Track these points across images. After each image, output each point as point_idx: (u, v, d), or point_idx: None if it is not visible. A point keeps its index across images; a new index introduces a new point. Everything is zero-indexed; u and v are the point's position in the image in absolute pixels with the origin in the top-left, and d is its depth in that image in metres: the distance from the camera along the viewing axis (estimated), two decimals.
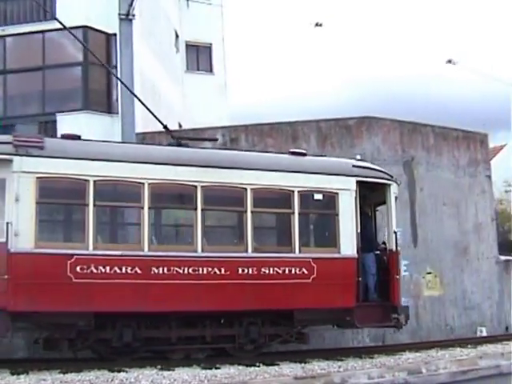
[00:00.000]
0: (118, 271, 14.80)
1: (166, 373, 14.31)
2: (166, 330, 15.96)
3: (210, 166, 15.96)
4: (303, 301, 16.58)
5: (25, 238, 14.12)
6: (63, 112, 23.34)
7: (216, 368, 15.05)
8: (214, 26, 35.83)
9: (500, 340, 21.77)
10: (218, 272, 15.76)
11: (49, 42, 23.99)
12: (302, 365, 16.06)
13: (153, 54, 27.11)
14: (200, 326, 16.33)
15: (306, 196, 17.00)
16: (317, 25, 20.84)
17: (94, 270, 14.60)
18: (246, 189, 16.24)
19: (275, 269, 16.31)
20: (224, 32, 36.73)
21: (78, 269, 14.45)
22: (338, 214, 17.11)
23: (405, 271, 23.91)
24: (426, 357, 17.92)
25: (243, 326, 16.65)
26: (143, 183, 15.23)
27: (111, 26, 22.31)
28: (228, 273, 15.83)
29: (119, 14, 19.57)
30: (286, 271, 16.44)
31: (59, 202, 15.44)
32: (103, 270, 14.68)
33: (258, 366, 15.50)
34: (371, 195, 18.32)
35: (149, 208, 15.34)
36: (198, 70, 35.75)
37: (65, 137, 15.63)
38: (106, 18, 20.46)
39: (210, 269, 15.66)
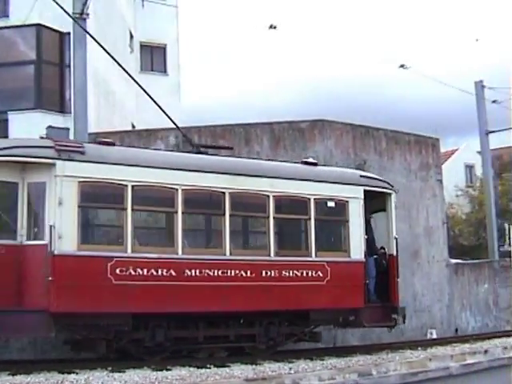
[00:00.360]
0: (155, 273, 15.40)
1: (116, 374, 14.16)
2: (194, 329, 16.65)
3: (237, 174, 16.80)
4: (318, 302, 17.71)
5: (68, 240, 14.45)
6: (15, 111, 23.06)
7: (167, 370, 14.97)
8: (169, 27, 35.69)
9: (450, 342, 22.01)
10: (244, 274, 16.60)
11: (0, 40, 23.68)
12: (253, 366, 16.01)
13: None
14: (223, 325, 17.10)
15: (321, 203, 18.02)
16: (271, 27, 20.93)
17: (133, 272, 15.14)
18: (268, 196, 17.17)
19: (294, 271, 17.34)
20: (179, 33, 36.61)
21: (117, 271, 14.95)
22: (348, 221, 18.28)
23: None
24: (376, 359, 17.99)
25: (263, 326, 17.55)
26: (177, 189, 15.88)
27: (65, 24, 22.09)
28: (253, 275, 16.72)
29: (73, 13, 19.34)
30: (304, 274, 17.46)
31: (99, 205, 15.90)
32: (141, 272, 15.24)
33: (209, 368, 15.46)
34: (371, 203, 18.96)
35: (182, 213, 15.97)
36: (152, 70, 35.59)
37: (100, 143, 16.04)
38: (60, 16, 20.20)
39: (237, 271, 16.51)
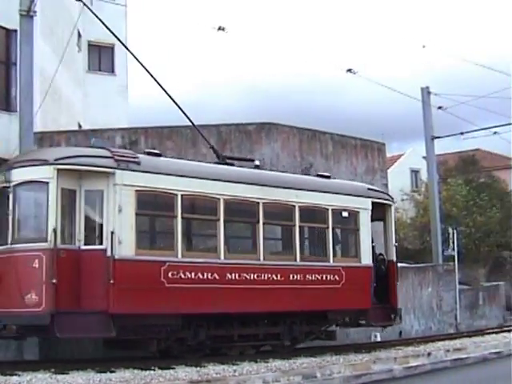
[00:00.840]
0: (201, 277, 16.72)
1: (59, 376, 14.06)
2: (230, 328, 18.07)
3: (268, 186, 18.37)
4: (335, 303, 19.62)
5: (127, 245, 15.50)
6: None
7: (111, 372, 14.90)
8: (118, 26, 35.33)
9: (394, 345, 22.28)
10: (275, 278, 18.25)
11: None
12: (198, 369, 15.99)
13: (54, 52, 26.60)
14: (254, 325, 18.69)
15: (337, 213, 19.84)
16: (219, 29, 21.08)
17: (183, 276, 16.37)
18: (294, 206, 18.85)
19: (316, 275, 19.14)
20: (127, 32, 36.36)
21: (169, 274, 16.14)
22: (358, 229, 20.27)
23: None
24: (320, 361, 18.10)
25: (287, 325, 19.22)
26: (219, 198, 17.28)
27: (12, 21, 21.78)
28: (282, 278, 18.39)
29: (20, 10, 19.08)
30: (324, 277, 19.33)
31: (154, 213, 17.04)
32: (189, 276, 16.51)
33: (154, 370, 15.40)
34: (372, 213, 20.83)
35: (224, 221, 17.38)
36: (100, 70, 35.30)
37: (149, 154, 17.19)
38: (6, 13, 19.94)
39: (269, 275, 18.10)
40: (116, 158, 15.78)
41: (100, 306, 15.09)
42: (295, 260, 18.89)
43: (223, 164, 18.89)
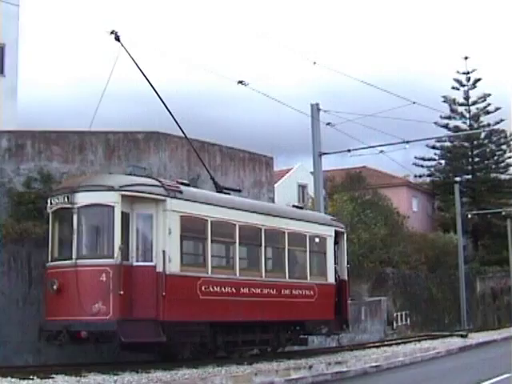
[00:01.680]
0: (224, 290, 20.03)
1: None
2: (236, 335, 21.28)
3: (268, 214, 22.23)
4: (311, 314, 23.59)
5: (175, 263, 18.42)
6: None
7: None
8: (9, 26, 34.53)
9: (275, 357, 22.41)
10: (272, 292, 21.93)
11: None
12: (78, 378, 15.85)
13: None
14: (251, 332, 21.89)
15: (311, 239, 23.93)
16: (112, 33, 21.07)
17: (211, 289, 19.57)
18: (284, 232, 22.73)
19: (298, 290, 23.12)
20: (19, 33, 35.56)
21: (203, 288, 19.30)
22: (325, 253, 24.52)
23: None
24: (202, 372, 18.17)
25: (274, 332, 22.70)
26: (235, 224, 20.70)
27: None
28: (277, 293, 22.10)
29: None
30: (303, 293, 23.29)
31: (192, 235, 19.83)
32: (216, 290, 19.76)
33: (32, 379, 15.16)
34: None
35: (239, 243, 20.83)
36: None
37: (181, 184, 19.93)
38: None
39: (268, 290, 21.78)
40: (166, 187, 18.78)
41: (151, 315, 17.87)
42: (285, 277, 22.68)
43: (220, 192, 22.05)
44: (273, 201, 29.02)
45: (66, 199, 18.00)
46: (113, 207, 17.68)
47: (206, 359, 19.96)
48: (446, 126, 76.32)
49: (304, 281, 23.52)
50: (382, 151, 32.87)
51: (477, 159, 78.62)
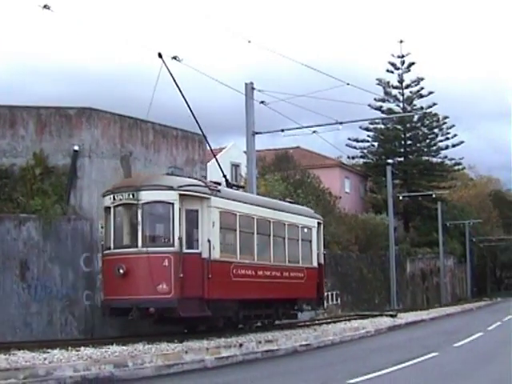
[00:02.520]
0: (247, 273, 24.06)
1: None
2: (251, 310, 25.17)
3: (274, 209, 26.42)
4: (301, 293, 27.98)
5: (216, 250, 22.20)
6: None
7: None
8: None
9: (205, 336, 22.50)
10: (277, 274, 26.00)
11: None
12: (6, 356, 15.75)
13: None
14: (260, 307, 25.83)
15: (302, 229, 28.19)
16: (45, 7, 20.77)
17: (240, 272, 23.57)
18: (285, 224, 26.96)
19: (294, 273, 27.26)
20: None
21: (234, 271, 23.27)
22: (311, 241, 28.86)
23: None
24: (132, 350, 18.24)
25: (274, 308, 26.67)
26: (254, 217, 24.76)
27: None
28: (280, 275, 26.22)
29: None
30: (297, 275, 27.48)
31: (227, 227, 23.19)
32: (242, 272, 23.77)
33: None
34: None
35: (257, 233, 24.83)
36: None
37: (215, 183, 23.70)
38: None
39: (274, 272, 25.82)
40: (210, 187, 22.55)
41: (199, 294, 21.31)
42: (285, 262, 26.73)
43: (230, 188, 25.44)
44: (205, 179, 29.04)
45: (131, 196, 21.36)
46: (172, 204, 21.24)
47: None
48: (379, 109, 77.23)
49: (297, 265, 27.64)
50: (314, 131, 33.14)
51: (409, 142, 79.69)
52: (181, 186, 21.46)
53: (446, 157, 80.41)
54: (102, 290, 22.29)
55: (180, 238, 20.98)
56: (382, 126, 79.17)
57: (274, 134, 34.91)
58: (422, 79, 78.92)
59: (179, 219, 21.21)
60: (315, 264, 28.97)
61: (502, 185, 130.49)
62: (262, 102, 32.48)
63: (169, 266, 20.73)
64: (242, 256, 23.88)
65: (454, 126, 79.99)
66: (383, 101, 78.36)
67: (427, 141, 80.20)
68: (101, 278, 22.96)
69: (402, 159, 79.48)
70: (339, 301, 43.11)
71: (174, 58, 24.73)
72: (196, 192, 21.85)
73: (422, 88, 79.12)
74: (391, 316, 38.41)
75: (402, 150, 79.80)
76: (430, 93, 78.69)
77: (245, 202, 24.40)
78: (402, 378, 16.11)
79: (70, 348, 17.68)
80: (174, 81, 23.95)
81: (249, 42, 32.22)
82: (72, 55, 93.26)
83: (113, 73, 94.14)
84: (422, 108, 76.31)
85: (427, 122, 79.58)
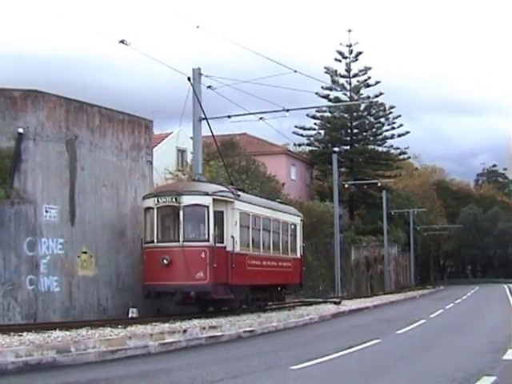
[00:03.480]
0: (257, 263, 29.12)
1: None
2: (256, 294, 29.91)
3: (273, 209, 31.51)
4: (290, 279, 33.34)
5: (237, 245, 27.15)
6: None
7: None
8: None
9: (150, 321, 22.58)
10: (274, 264, 31.12)
11: None
12: None
13: None
14: (260, 292, 30.60)
15: (290, 225, 33.39)
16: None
17: (252, 263, 28.57)
18: (279, 221, 32.02)
19: (285, 263, 32.37)
20: None
21: (248, 261, 28.21)
22: (296, 235, 34.13)
23: (60, 250, 23.96)
24: (75, 336, 18.15)
25: (269, 292, 31.47)
26: (260, 216, 29.75)
27: None
28: (276, 264, 31.36)
29: None
30: (287, 264, 32.63)
31: (243, 225, 27.99)
32: (254, 263, 28.79)
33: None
34: None
35: (262, 230, 29.92)
36: None
37: (236, 188, 29.11)
38: None
39: (273, 262, 30.92)
40: (233, 192, 27.54)
41: (224, 280, 26.08)
42: (279, 253, 31.79)
43: (240, 191, 29.06)
44: (151, 164, 28.95)
45: (173, 199, 25.74)
46: (208, 206, 25.91)
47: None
48: (326, 97, 77.77)
49: (287, 256, 32.69)
50: (261, 118, 33.16)
51: (355, 131, 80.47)
52: (214, 192, 26.37)
53: (391, 146, 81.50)
54: (144, 276, 25.88)
55: (214, 235, 25.75)
56: (329, 115, 79.76)
57: (221, 121, 34.85)
58: (370, 69, 79.76)
59: (213, 219, 25.92)
60: (299, 255, 34.37)
61: (446, 175, 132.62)
62: (210, 87, 32.42)
63: (205, 258, 25.38)
64: (254, 249, 29.05)
65: (400, 116, 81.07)
66: (330, 89, 78.96)
67: (373, 130, 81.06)
68: (140, 267, 26.39)
69: (348, 147, 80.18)
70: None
71: (122, 41, 24.57)
72: (224, 197, 26.78)
73: (369, 77, 80.00)
74: (335, 303, 38.77)
75: (349, 138, 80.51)
76: (377, 82, 79.53)
77: (254, 204, 29.43)
78: (345, 364, 16.26)
79: (12, 333, 17.53)
80: (199, 103, 29.91)
81: (197, 27, 32.13)
82: (12, 37, 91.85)
83: (53, 55, 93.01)
84: (368, 97, 77.04)
85: (374, 111, 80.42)
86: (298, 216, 35.00)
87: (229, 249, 26.44)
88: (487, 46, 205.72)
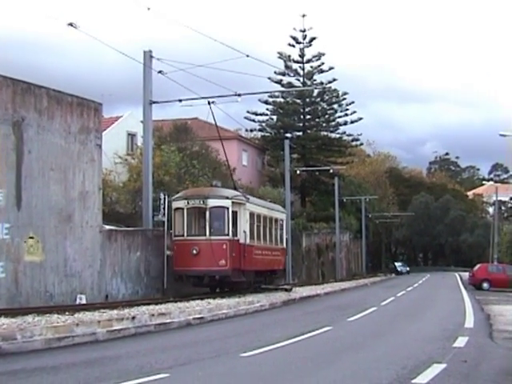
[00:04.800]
0: (259, 252, 35.41)
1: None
2: (256, 277, 36.21)
3: (269, 208, 38.39)
4: (278, 266, 40.22)
5: (248, 238, 33.35)
6: None
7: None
8: None
9: (98, 308, 22.45)
10: (269, 253, 37.71)
11: None
12: None
13: None
14: (258, 276, 36.82)
15: (278, 221, 40.10)
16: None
17: (256, 252, 34.79)
18: (272, 218, 38.47)
19: (276, 252, 39.16)
20: None
21: (254, 251, 34.42)
22: (282, 229, 41.11)
23: (6, 234, 23.66)
24: (21, 323, 17.92)
25: (263, 276, 37.98)
26: (261, 214, 36.05)
27: None
28: (270, 253, 37.85)
29: None
30: (277, 253, 39.53)
31: (251, 222, 34.22)
32: (257, 252, 35.05)
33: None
34: None
35: (262, 226, 36.27)
36: None
37: (243, 192, 36.52)
38: None
39: (268, 251, 37.42)
40: (245, 196, 34.56)
41: (238, 266, 32.35)
42: (272, 244, 38.53)
43: (236, 190, 35.69)
44: (100, 148, 28.66)
45: (201, 202, 32.11)
46: (228, 208, 32.24)
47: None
48: (279, 82, 77.74)
49: (277, 246, 39.73)
50: (213, 102, 33.12)
51: (308, 117, 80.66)
52: (233, 196, 33.02)
53: (344, 133, 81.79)
54: (174, 263, 32.00)
55: (232, 231, 32.14)
56: (282, 100, 79.84)
57: (172, 105, 34.86)
58: (323, 54, 79.91)
59: (232, 218, 32.19)
60: (284, 245, 42.41)
61: (398, 162, 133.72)
62: (160, 72, 32.29)
63: (226, 249, 31.69)
64: (257, 241, 35.53)
65: (353, 102, 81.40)
66: (283, 74, 78.95)
67: (326, 116, 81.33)
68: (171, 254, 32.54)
69: (300, 134, 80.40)
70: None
71: (70, 24, 24.31)
72: (239, 200, 33.53)
73: (323, 63, 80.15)
74: (286, 290, 38.93)
75: (301, 124, 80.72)
76: (331, 68, 79.76)
77: (257, 205, 36.51)
78: (295, 352, 16.36)
79: None
80: (216, 125, 36.74)
81: (148, 9, 31.95)
82: None
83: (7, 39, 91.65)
84: (322, 83, 77.22)
85: (327, 97, 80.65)
86: (284, 213, 43.25)
87: (241, 241, 32.91)
88: (432, 36, 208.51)
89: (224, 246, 31.61)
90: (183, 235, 31.95)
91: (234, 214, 32.63)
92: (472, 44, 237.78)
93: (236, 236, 32.50)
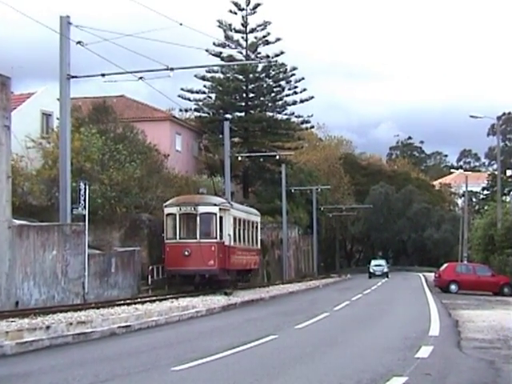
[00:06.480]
0: (240, 253, 47.42)
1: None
2: (238, 276, 48.81)
3: (247, 213, 51.73)
4: (254, 264, 53.62)
5: (232, 240, 45.09)
6: None
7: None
8: None
9: (6, 316, 22.16)
10: (248, 253, 50.18)
11: None
12: None
13: None
14: (240, 274, 49.89)
15: (254, 223, 53.05)
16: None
17: (238, 253, 46.80)
18: (250, 221, 51.37)
19: (253, 252, 52.08)
20: None
21: (236, 252, 46.40)
22: (258, 231, 54.45)
23: None
24: None
25: (242, 275, 50.24)
26: (241, 218, 48.79)
27: None
28: (248, 253, 50.36)
29: None
30: (254, 253, 52.81)
31: (233, 226, 45.74)
32: (239, 253, 47.17)
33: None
34: None
35: (242, 229, 48.84)
36: None
37: (227, 200, 49.36)
38: None
39: (246, 252, 49.58)
40: (229, 203, 46.56)
41: (224, 266, 42.84)
42: (250, 246, 49.78)
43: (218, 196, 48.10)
44: (8, 129, 28.16)
45: (192, 209, 42.21)
46: (216, 214, 42.43)
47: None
48: (218, 55, 77.29)
49: (253, 247, 51.46)
50: (141, 78, 32.96)
51: (252, 95, 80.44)
52: (220, 203, 43.63)
53: (292, 113, 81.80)
54: (167, 263, 42.14)
55: (220, 234, 42.40)
56: (221, 76, 79.45)
57: (94, 81, 34.47)
58: (269, 23, 79.58)
59: (219, 223, 42.45)
60: (259, 246, 54.93)
61: (354, 147, 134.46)
62: (79, 42, 31.86)
63: (214, 250, 41.75)
64: (239, 243, 46.16)
65: (303, 78, 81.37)
66: (223, 46, 78.54)
67: (272, 94, 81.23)
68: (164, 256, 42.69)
69: (242, 114, 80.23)
70: (166, 275, 43.28)
71: None
72: (225, 206, 44.11)
73: (269, 33, 79.79)
74: (225, 294, 39.16)
75: (243, 103, 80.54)
76: (278, 39, 79.56)
77: (238, 210, 47.48)
78: (236, 364, 16.31)
79: None
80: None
81: None
82: None
83: None
84: (267, 56, 77.03)
85: (273, 72, 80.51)
86: (258, 215, 54.92)
87: (226, 243, 43.22)
88: (389, 8, 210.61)
89: (212, 248, 41.81)
90: (175, 238, 42.36)
91: (221, 219, 42.83)
92: (430, 16, 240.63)
93: (222, 239, 42.80)
